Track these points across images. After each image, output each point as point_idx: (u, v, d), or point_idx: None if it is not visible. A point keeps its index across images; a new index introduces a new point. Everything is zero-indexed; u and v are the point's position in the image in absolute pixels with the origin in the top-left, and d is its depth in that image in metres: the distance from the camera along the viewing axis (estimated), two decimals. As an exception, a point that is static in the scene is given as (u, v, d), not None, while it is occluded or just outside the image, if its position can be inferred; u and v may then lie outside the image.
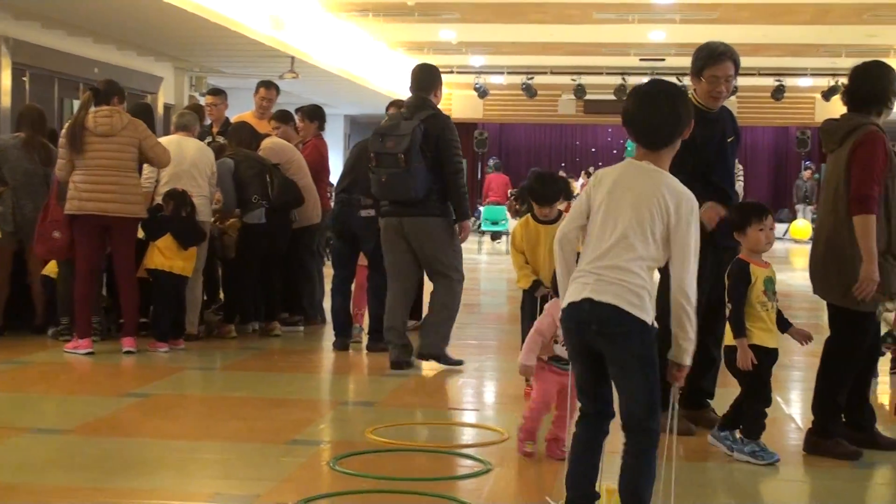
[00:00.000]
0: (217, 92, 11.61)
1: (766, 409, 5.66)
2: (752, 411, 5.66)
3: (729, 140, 6.37)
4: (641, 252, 4.05)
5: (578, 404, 4.34)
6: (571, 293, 4.14)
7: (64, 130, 8.81)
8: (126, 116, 8.82)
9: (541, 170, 7.48)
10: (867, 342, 5.90)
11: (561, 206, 7.61)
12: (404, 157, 7.98)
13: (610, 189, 4.16)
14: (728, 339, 5.68)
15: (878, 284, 5.60)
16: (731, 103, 28.10)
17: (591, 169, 34.37)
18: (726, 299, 5.64)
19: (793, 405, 7.23)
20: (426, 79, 8.41)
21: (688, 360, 4.12)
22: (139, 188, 8.89)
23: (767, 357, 5.60)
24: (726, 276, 5.66)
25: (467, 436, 6.41)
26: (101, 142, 8.65)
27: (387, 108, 9.82)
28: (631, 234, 4.05)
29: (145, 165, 9.14)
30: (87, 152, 8.65)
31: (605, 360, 4.09)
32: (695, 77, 6.25)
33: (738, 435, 5.72)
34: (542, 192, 7.41)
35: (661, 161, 4.19)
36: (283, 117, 10.76)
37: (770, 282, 5.62)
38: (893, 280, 5.75)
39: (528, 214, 7.56)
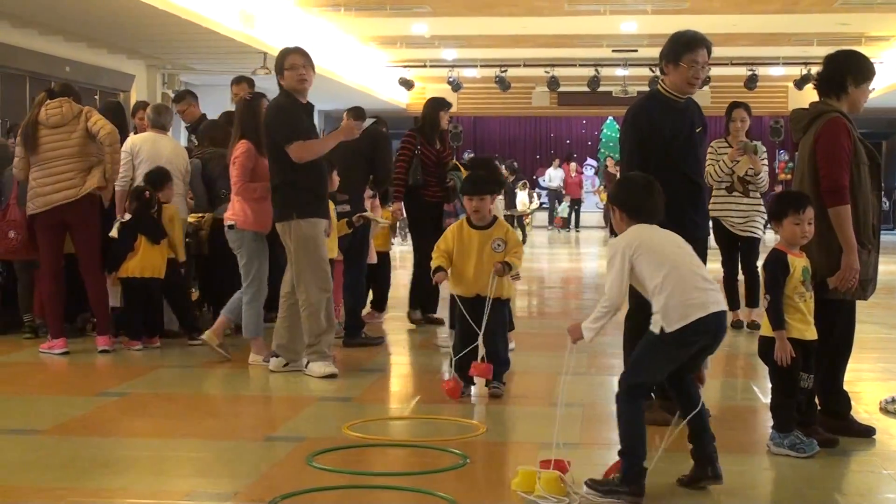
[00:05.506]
0: (180, 98, 11.33)
1: (792, 402, 5.56)
2: (777, 404, 5.59)
3: (697, 130, 6.34)
4: None
5: None
6: (711, 302, 4.80)
7: (20, 129, 8.75)
8: (77, 106, 8.61)
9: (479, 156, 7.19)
10: (839, 330, 5.90)
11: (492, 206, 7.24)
12: None
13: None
14: (764, 329, 5.57)
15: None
16: (705, 93, 28.25)
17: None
18: (763, 291, 5.55)
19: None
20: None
21: None
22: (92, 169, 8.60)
23: (803, 350, 5.53)
24: (762, 268, 5.56)
25: (445, 430, 6.39)
26: (52, 133, 8.52)
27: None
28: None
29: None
30: (41, 146, 8.54)
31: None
32: (671, 64, 6.17)
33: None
34: (473, 179, 7.21)
35: None
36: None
37: (806, 271, 5.51)
38: (866, 268, 5.76)
39: (464, 217, 7.26)
